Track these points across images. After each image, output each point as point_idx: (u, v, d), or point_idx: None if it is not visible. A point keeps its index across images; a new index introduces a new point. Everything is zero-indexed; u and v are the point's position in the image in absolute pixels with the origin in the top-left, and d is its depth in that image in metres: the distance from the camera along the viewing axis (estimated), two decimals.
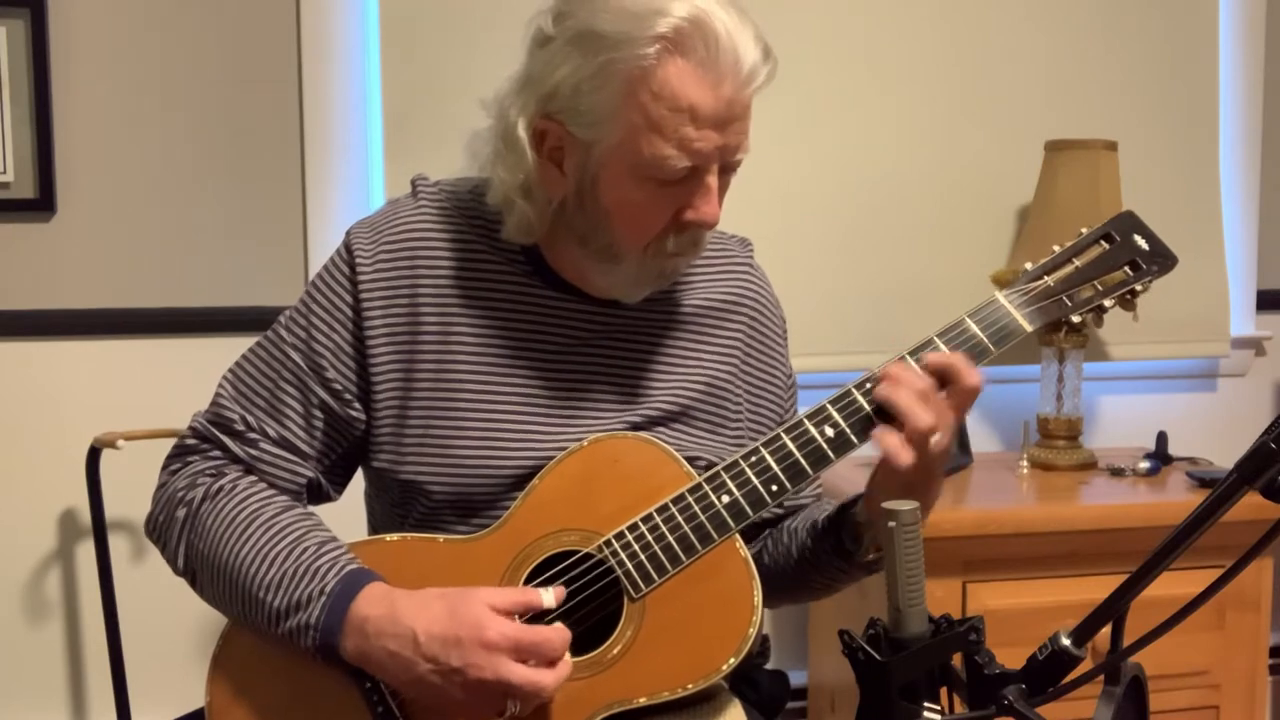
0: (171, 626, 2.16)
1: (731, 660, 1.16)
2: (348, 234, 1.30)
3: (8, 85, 2.09)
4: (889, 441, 1.15)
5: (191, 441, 1.29)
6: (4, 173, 2.11)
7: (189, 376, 2.13)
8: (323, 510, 1.32)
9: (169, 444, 1.33)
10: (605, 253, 1.23)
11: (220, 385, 1.30)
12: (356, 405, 1.27)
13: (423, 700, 1.16)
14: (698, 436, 1.31)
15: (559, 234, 1.26)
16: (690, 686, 1.15)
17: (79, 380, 2.17)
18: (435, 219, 1.30)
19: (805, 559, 1.32)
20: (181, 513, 1.25)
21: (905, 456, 1.14)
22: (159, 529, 1.28)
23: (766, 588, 1.40)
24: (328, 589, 1.15)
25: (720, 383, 1.34)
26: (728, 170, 1.20)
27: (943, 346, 1.21)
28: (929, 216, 2.40)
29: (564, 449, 1.24)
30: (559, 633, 1.12)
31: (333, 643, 1.14)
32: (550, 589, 1.16)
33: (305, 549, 1.19)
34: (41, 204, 2.12)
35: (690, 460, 1.26)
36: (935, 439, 1.14)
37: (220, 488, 1.24)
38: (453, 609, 1.12)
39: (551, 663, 1.11)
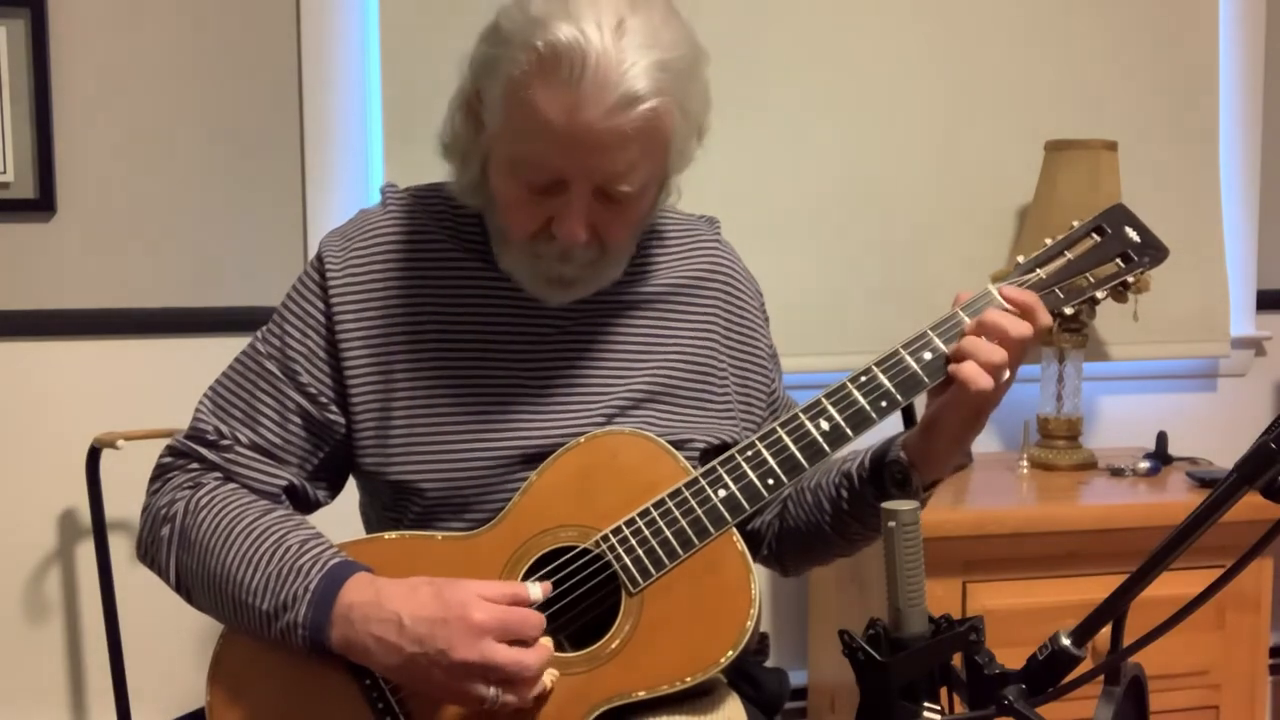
0: (171, 626, 2.16)
1: (730, 653, 1.16)
2: (320, 245, 1.32)
3: (8, 85, 2.09)
4: (968, 371, 1.16)
5: (168, 459, 1.31)
6: (4, 173, 2.11)
7: (189, 376, 2.12)
8: (321, 515, 1.32)
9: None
10: (501, 236, 1.25)
11: (198, 405, 1.32)
12: (334, 409, 1.28)
13: (410, 686, 1.16)
14: (685, 415, 1.32)
15: None
16: (689, 679, 1.16)
17: (79, 380, 2.17)
18: (404, 225, 1.31)
19: (842, 510, 1.31)
20: (165, 530, 1.26)
21: (983, 381, 1.15)
22: (148, 551, 1.29)
23: (794, 553, 1.41)
24: (312, 586, 1.16)
25: (702, 359, 1.34)
26: (610, 198, 1.18)
27: (936, 339, 1.21)
28: (929, 216, 2.40)
29: (549, 436, 1.25)
30: (535, 614, 1.13)
31: (321, 638, 1.15)
32: (538, 583, 1.17)
33: (288, 549, 1.19)
34: (41, 204, 2.12)
35: (682, 442, 1.27)
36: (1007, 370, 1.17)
37: (198, 501, 1.25)
38: (439, 593, 1.12)
39: (528, 642, 1.12)
